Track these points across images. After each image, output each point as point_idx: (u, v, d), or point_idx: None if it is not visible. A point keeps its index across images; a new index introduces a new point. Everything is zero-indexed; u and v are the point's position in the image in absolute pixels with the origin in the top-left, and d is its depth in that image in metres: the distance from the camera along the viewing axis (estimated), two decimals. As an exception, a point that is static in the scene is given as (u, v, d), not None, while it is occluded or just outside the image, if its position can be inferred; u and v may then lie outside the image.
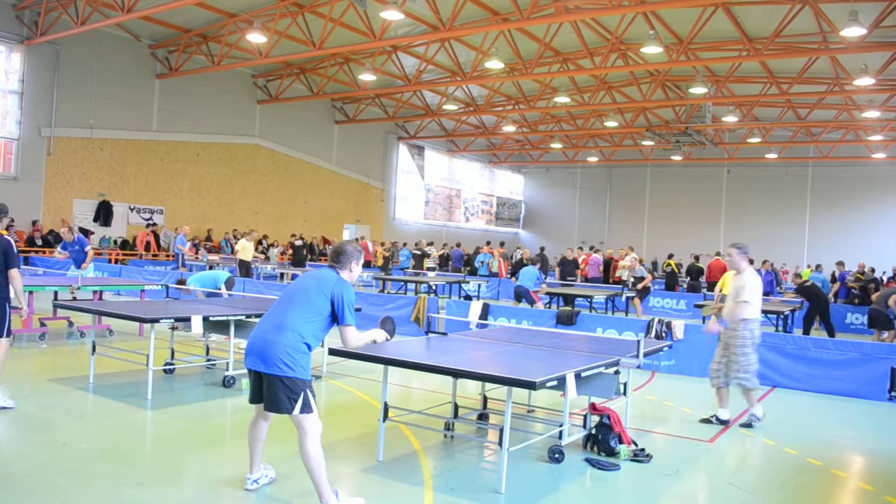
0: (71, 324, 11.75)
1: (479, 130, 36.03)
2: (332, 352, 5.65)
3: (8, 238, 6.86)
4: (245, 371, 8.51)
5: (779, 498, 5.54)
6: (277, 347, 4.49)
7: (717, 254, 23.60)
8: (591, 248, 25.77)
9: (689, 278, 23.48)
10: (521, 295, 16.08)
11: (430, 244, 28.99)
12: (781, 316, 15.09)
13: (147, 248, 23.65)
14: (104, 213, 23.84)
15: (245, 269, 19.48)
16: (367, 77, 24.35)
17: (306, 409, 4.50)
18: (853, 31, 15.82)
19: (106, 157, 23.97)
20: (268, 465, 5.17)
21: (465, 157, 42.23)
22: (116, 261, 22.26)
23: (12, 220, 7.20)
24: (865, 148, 32.53)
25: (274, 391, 4.51)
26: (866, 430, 8.15)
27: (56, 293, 11.31)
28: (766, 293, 18.37)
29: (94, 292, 11.86)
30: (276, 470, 5.22)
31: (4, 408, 6.60)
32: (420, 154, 38.99)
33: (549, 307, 17.01)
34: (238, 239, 22.83)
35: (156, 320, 7.47)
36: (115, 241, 24.14)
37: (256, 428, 4.91)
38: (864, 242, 33.90)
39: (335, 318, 4.67)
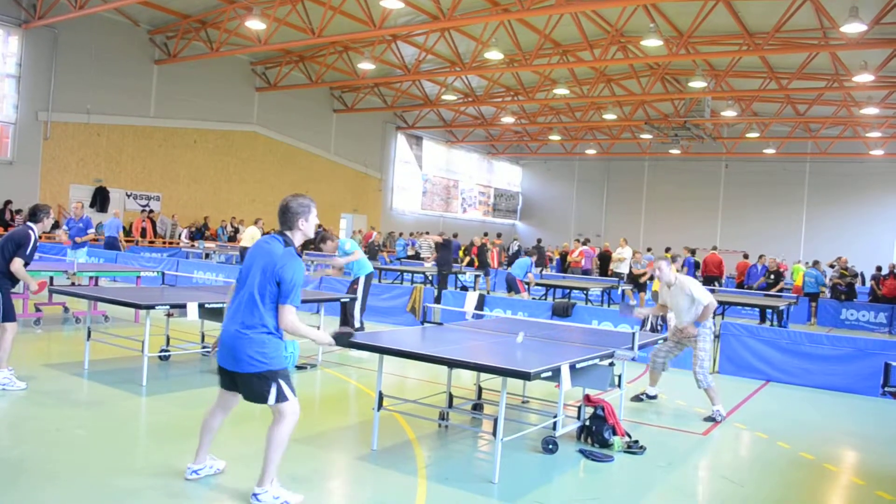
0: (66, 309, 11.75)
1: (478, 121, 35.97)
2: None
3: (28, 231, 7.00)
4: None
5: (771, 491, 5.57)
6: (245, 343, 4.36)
7: (714, 248, 23.63)
8: (586, 241, 25.76)
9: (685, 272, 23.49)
10: (510, 284, 16.13)
11: (425, 234, 28.93)
12: (777, 311, 15.11)
13: (143, 234, 23.60)
14: (101, 199, 23.77)
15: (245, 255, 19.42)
16: (366, 66, 24.27)
17: (281, 398, 4.42)
18: (853, 28, 15.81)
19: (103, 143, 23.90)
20: (215, 457, 4.99)
21: (463, 147, 42.18)
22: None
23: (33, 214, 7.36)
24: (863, 144, 32.54)
25: (248, 386, 4.44)
26: (859, 425, 8.19)
27: (52, 278, 11.29)
28: (760, 288, 18.48)
29: (90, 278, 11.84)
30: (225, 463, 5.06)
31: (10, 389, 6.80)
32: (418, 144, 38.93)
33: (545, 298, 17.03)
34: (236, 227, 22.84)
35: (151, 307, 7.46)
36: (112, 227, 24.07)
37: (213, 418, 4.78)
38: (861, 238, 34.00)
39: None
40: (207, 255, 22.49)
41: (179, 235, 24.80)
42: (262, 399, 4.42)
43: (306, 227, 4.55)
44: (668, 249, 24.46)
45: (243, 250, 19.48)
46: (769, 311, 15.25)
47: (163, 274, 11.63)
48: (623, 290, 18.33)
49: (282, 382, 4.43)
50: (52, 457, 5.16)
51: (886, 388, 5.83)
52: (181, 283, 14.97)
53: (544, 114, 34.58)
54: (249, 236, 19.54)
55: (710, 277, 20.51)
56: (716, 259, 21.29)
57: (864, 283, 24.05)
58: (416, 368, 9.09)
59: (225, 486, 4.83)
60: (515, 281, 15.90)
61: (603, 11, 20.13)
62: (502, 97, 31.03)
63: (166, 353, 8.68)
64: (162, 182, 25.83)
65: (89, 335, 8.07)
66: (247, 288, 4.42)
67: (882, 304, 19.12)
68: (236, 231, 25.42)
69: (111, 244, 18.67)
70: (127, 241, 23.23)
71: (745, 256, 22.77)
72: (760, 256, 21.16)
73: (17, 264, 6.97)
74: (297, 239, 4.56)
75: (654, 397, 8.31)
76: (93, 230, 13.32)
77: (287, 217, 4.53)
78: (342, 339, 5.00)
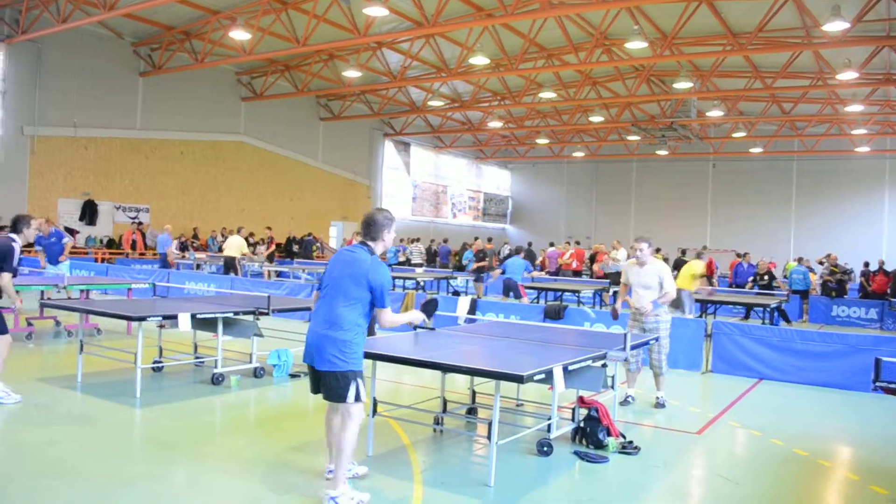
0: (58, 323, 11.69)
1: (465, 126, 36.02)
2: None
3: (10, 243, 6.98)
4: (234, 368, 8.52)
5: (766, 488, 5.60)
6: (328, 343, 4.68)
7: (704, 247, 23.72)
8: (577, 242, 25.86)
9: (675, 272, 23.55)
10: (509, 288, 16.05)
11: (416, 240, 28.89)
12: (768, 309, 15.19)
13: (133, 246, 23.50)
14: (89, 213, 23.68)
15: (230, 265, 19.33)
16: (351, 73, 24.25)
17: (358, 398, 4.72)
18: (836, 26, 15.92)
19: (90, 156, 23.80)
20: (354, 462, 5.26)
21: (451, 153, 42.22)
22: (103, 259, 22.12)
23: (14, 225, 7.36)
24: (849, 142, 32.75)
25: (328, 384, 4.73)
26: (852, 421, 8.24)
27: (42, 292, 11.24)
28: (740, 285, 18.55)
29: (81, 291, 11.80)
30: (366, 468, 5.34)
31: (4, 402, 6.78)
32: (406, 150, 38.95)
33: (537, 301, 17.05)
34: (226, 237, 22.73)
35: (144, 318, 7.44)
36: (101, 241, 23.99)
37: (330, 420, 5.06)
38: (849, 235, 34.21)
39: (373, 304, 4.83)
40: (198, 266, 22.43)
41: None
42: (341, 398, 4.70)
43: (388, 239, 4.95)
44: (658, 250, 24.60)
45: (228, 260, 19.41)
46: (761, 309, 15.29)
47: (154, 285, 11.59)
48: (614, 294, 18.37)
49: (359, 382, 4.74)
50: (46, 470, 5.13)
51: (877, 383, 5.87)
52: (173, 294, 14.93)
53: (531, 117, 34.66)
54: (235, 246, 19.49)
55: (702, 277, 20.55)
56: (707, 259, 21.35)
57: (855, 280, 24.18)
58: (410, 374, 9.10)
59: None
60: (517, 286, 15.86)
61: (587, 14, 20.20)
62: (489, 102, 31.09)
63: (159, 365, 8.65)
64: (150, 194, 25.75)
65: (82, 348, 8.05)
66: (334, 293, 4.78)
67: (872, 300, 19.25)
68: (225, 241, 25.32)
69: (164, 262, 19.54)
70: (117, 254, 23.18)
71: (739, 255, 22.87)
72: (745, 254, 21.26)
73: (4, 279, 6.93)
74: (379, 249, 4.93)
75: (633, 398, 8.30)
76: (67, 239, 13.21)
77: (372, 229, 4.89)
78: (430, 308, 5.69)
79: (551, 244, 26.15)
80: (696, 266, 13.87)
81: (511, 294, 16.06)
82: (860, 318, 18.79)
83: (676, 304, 12.58)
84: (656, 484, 5.62)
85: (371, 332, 10.13)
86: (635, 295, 8.12)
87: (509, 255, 24.44)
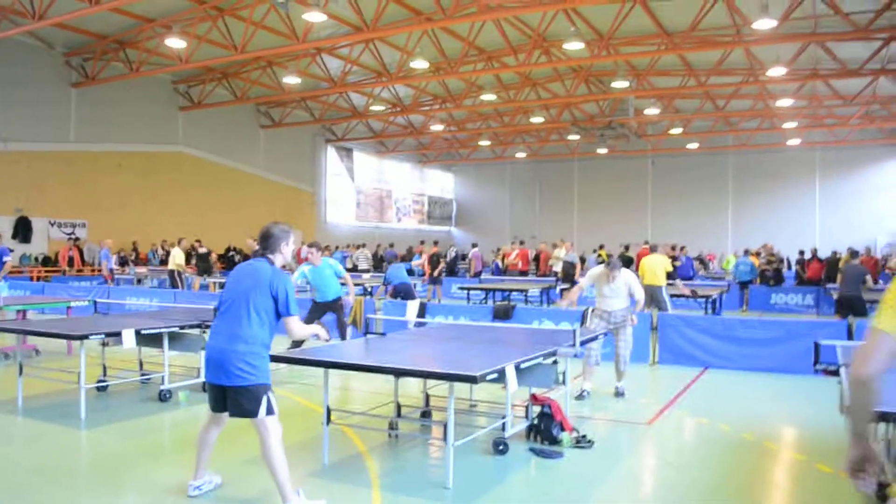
0: (-6, 345, 11.31)
1: (408, 130, 36.00)
2: (274, 358, 5.57)
3: None
4: (182, 384, 8.35)
5: (716, 473, 5.74)
6: (235, 357, 4.57)
7: (646, 242, 24.16)
8: (521, 242, 26.14)
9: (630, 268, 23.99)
10: (400, 291, 14.97)
11: (362, 246, 28.75)
12: (710, 299, 15.55)
13: (70, 263, 22.85)
14: (23, 230, 22.95)
15: (175, 278, 19.01)
16: (291, 80, 24.03)
17: (270, 411, 4.63)
18: (765, 24, 16.41)
19: (22, 171, 23.04)
20: (213, 472, 5.13)
21: (394, 157, 42.16)
22: (38, 278, 21.41)
23: None
24: (781, 135, 33.76)
25: (238, 400, 4.61)
26: (796, 403, 8.51)
27: (-24, 314, 10.86)
28: (687, 278, 18.97)
29: (17, 311, 11.42)
30: (221, 477, 5.16)
31: None
32: (349, 156, 38.76)
33: (484, 302, 17.14)
34: (168, 251, 22.23)
35: (85, 336, 7.24)
36: (36, 258, 23.27)
37: (208, 433, 4.93)
38: (785, 225, 35.27)
39: (278, 313, 4.76)
40: (139, 281, 21.94)
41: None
42: (251, 413, 4.59)
43: (287, 252, 4.95)
44: (601, 246, 25.02)
45: (171, 273, 19.05)
46: (704, 300, 15.65)
47: (94, 302, 11.30)
48: (561, 291, 18.57)
49: (270, 396, 4.66)
50: (-11, 498, 4.97)
51: (817, 366, 6.08)
52: (114, 310, 14.57)
53: (473, 120, 34.85)
54: (177, 257, 19.15)
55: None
56: (648, 253, 21.74)
57: (790, 267, 24.92)
58: (362, 380, 9.06)
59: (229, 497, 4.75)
60: (411, 288, 15.10)
61: (525, 17, 20.40)
62: (430, 105, 31.14)
63: (104, 384, 8.43)
64: (87, 208, 25.06)
65: (21, 370, 7.78)
66: (237, 305, 4.68)
67: (808, 287, 19.87)
68: (167, 255, 24.80)
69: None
70: (53, 272, 22.50)
71: (680, 248, 23.33)
72: (682, 248, 21.69)
73: None
74: (279, 262, 4.91)
75: (588, 393, 8.45)
76: (8, 258, 12.79)
77: (270, 242, 4.89)
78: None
79: (474, 245, 26.46)
80: (663, 261, 13.76)
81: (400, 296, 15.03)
82: (797, 305, 19.39)
83: (656, 302, 12.68)
84: (610, 475, 5.72)
85: (298, 344, 10.00)
86: (605, 300, 8.49)
87: (455, 259, 24.61)
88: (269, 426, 4.60)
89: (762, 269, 20.93)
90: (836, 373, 5.65)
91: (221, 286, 21.86)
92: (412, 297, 14.49)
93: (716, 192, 38.41)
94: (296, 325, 4.83)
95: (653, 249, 14.40)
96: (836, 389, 5.67)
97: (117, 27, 21.79)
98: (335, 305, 10.37)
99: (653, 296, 12.57)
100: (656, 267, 12.84)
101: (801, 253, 22.44)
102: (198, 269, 21.79)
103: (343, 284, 10.72)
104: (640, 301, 8.50)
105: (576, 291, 9.10)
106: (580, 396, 8.27)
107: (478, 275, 23.80)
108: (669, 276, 13.51)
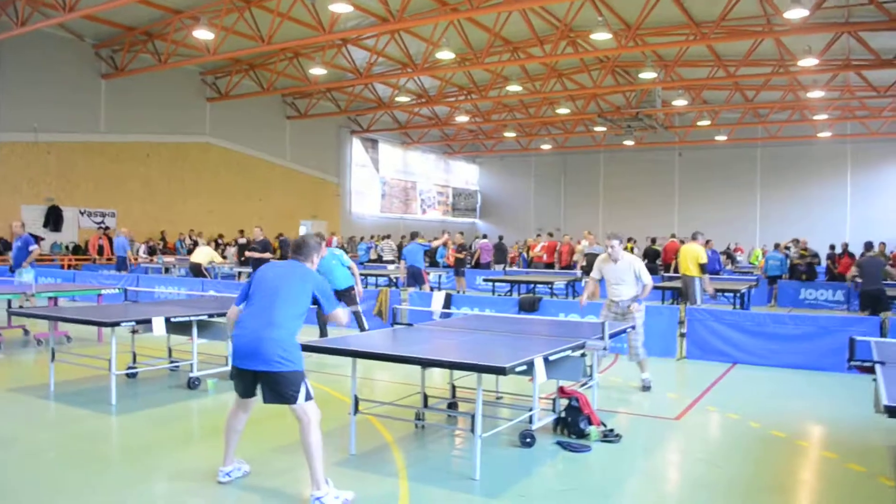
0: (27, 332, 11.49)
1: (433, 122, 35.98)
2: (304, 347, 5.57)
3: None
4: (211, 372, 8.41)
5: (745, 469, 5.67)
6: (273, 344, 4.65)
7: (672, 235, 23.98)
8: (550, 234, 26.04)
9: (646, 261, 23.76)
10: (413, 276, 15.51)
11: (387, 237, 28.77)
12: (739, 294, 15.38)
13: (100, 251, 23.13)
14: (54, 219, 23.29)
15: (197, 270, 19.06)
16: (317, 71, 24.09)
17: (309, 396, 4.73)
18: (796, 13, 16.17)
19: (53, 161, 23.39)
20: (241, 459, 5.18)
21: (419, 148, 42.18)
22: (69, 266, 21.74)
23: None
24: (811, 127, 33.27)
25: (276, 387, 4.68)
26: (827, 401, 8.38)
27: (10, 301, 11.02)
28: (714, 272, 18.76)
29: (49, 299, 11.58)
30: (249, 465, 5.20)
31: None
32: (374, 147, 38.83)
33: (510, 294, 17.10)
34: (196, 241, 22.42)
35: (116, 324, 7.32)
36: (67, 247, 23.60)
37: (236, 419, 4.99)
38: (813, 219, 34.77)
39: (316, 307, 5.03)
40: (167, 270, 22.15)
41: (137, 251, 24.36)
42: (291, 399, 4.67)
43: (316, 261, 5.17)
44: (630, 240, 24.84)
45: (194, 266, 19.12)
46: (732, 294, 15.45)
47: (125, 290, 11.43)
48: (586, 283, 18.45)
49: (307, 382, 4.76)
50: (26, 482, 5.04)
51: (852, 362, 5.98)
52: (143, 298, 14.72)
53: (498, 111, 34.73)
54: (204, 255, 19.13)
55: (671, 265, 20.79)
56: (675, 246, 21.57)
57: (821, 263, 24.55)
58: (389, 371, 9.09)
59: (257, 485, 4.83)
60: (421, 273, 15.47)
61: (551, 7, 20.28)
62: (455, 97, 31.09)
63: (134, 371, 8.53)
64: (116, 198, 25.36)
65: (53, 356, 7.90)
66: (273, 297, 4.82)
67: (839, 283, 19.58)
68: (195, 244, 24.98)
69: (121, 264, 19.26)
70: (83, 260, 22.80)
71: (705, 242, 23.08)
72: (708, 241, 21.44)
73: None
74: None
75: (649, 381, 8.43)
76: (34, 247, 12.94)
77: (305, 250, 5.10)
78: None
79: (484, 236, 26.43)
80: (698, 251, 13.36)
81: (416, 284, 15.55)
82: (827, 301, 19.11)
83: (685, 294, 12.50)
84: (638, 470, 5.68)
85: (323, 332, 10.06)
86: (613, 289, 8.37)
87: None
88: (308, 411, 4.69)
89: (794, 262, 20.63)
90: (871, 370, 5.56)
91: (248, 275, 21.99)
92: (421, 283, 14.69)
93: (744, 185, 37.97)
94: (341, 313, 5.13)
95: (693, 237, 13.84)
96: (869, 387, 5.58)
97: (146, 19, 21.99)
98: (346, 295, 10.41)
99: (686, 286, 12.41)
100: (690, 257, 12.65)
101: (832, 248, 22.11)
102: (240, 260, 21.96)
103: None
104: (647, 285, 8.34)
105: (590, 286, 8.96)
106: (645, 388, 8.30)
107: (480, 265, 23.44)
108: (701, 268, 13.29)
